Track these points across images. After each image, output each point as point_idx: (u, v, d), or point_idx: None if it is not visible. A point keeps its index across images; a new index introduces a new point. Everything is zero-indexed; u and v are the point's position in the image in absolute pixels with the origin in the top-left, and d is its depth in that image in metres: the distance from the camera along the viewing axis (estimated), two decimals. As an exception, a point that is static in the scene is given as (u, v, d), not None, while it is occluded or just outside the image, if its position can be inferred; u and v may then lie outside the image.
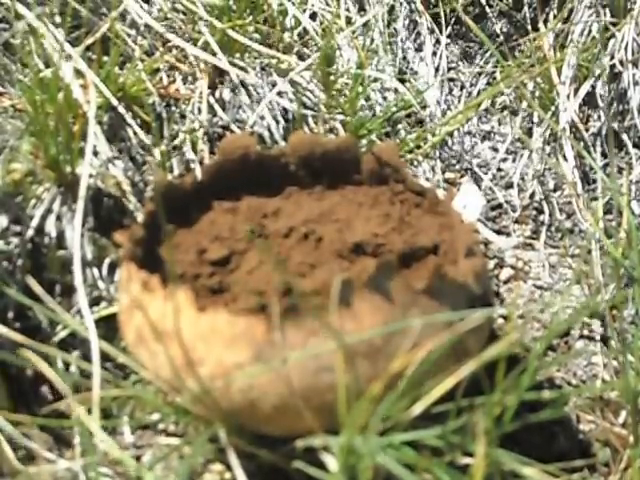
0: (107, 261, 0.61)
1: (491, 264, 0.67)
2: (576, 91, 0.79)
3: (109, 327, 0.56)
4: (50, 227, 0.60)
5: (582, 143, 0.77)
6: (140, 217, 0.61)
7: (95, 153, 0.63)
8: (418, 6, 0.88)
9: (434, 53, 0.87)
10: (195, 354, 0.45)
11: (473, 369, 0.40)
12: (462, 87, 0.85)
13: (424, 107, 0.80)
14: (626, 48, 0.79)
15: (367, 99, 0.79)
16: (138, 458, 0.53)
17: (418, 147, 0.76)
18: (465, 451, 0.42)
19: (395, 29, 0.87)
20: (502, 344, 0.40)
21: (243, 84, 0.75)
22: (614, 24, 0.81)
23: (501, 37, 0.89)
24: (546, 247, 0.70)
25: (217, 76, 0.76)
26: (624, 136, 0.78)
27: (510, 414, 0.42)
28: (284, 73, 0.76)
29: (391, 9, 0.88)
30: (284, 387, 0.44)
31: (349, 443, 0.39)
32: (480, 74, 0.86)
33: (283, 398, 0.44)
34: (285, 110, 0.75)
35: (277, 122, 0.73)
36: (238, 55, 0.76)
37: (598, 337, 0.63)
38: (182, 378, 0.46)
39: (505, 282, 0.67)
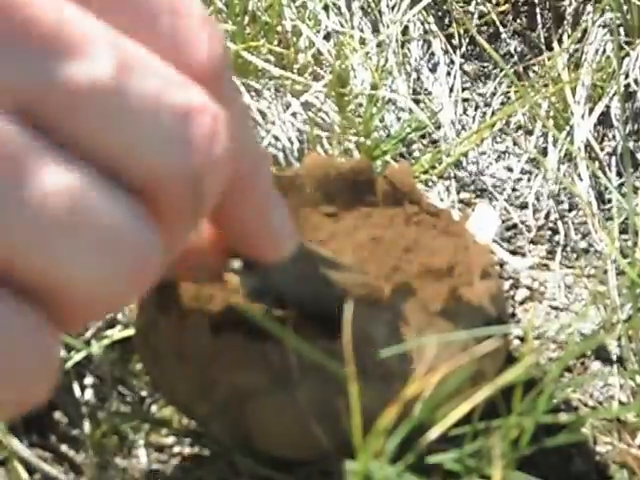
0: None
1: (506, 285, 0.67)
2: (591, 111, 0.78)
3: (125, 350, 0.56)
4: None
5: (597, 163, 0.76)
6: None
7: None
8: (432, 27, 0.88)
9: (448, 73, 0.87)
10: (210, 377, 0.45)
11: (490, 393, 0.40)
12: (476, 107, 0.85)
13: (438, 127, 0.80)
14: (640, 67, 0.79)
15: (381, 120, 0.79)
16: (153, 481, 0.53)
17: (433, 167, 0.76)
18: (482, 474, 0.42)
19: (409, 49, 0.87)
20: (519, 368, 0.40)
21: (257, 105, 0.75)
22: (628, 43, 0.80)
23: (515, 57, 0.89)
24: (562, 267, 0.70)
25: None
26: (639, 155, 0.77)
27: (527, 437, 0.42)
28: (298, 94, 0.76)
29: (405, 29, 0.88)
30: (299, 411, 0.44)
31: (365, 467, 0.38)
32: (494, 94, 0.86)
33: (298, 422, 0.44)
34: (299, 131, 0.75)
35: (291, 143, 0.73)
36: (252, 76, 0.76)
37: (614, 358, 0.63)
38: (197, 401, 0.46)
39: (521, 303, 0.66)
